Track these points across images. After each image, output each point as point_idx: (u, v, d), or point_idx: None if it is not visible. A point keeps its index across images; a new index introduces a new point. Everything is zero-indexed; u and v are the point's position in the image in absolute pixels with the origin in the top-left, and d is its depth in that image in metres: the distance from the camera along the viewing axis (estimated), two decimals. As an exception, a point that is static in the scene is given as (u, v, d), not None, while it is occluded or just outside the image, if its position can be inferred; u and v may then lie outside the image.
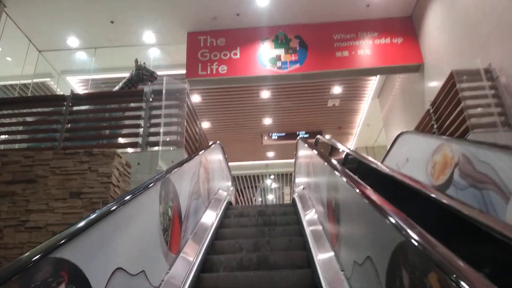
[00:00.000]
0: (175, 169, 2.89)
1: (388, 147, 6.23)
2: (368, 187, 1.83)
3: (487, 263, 1.45)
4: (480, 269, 1.30)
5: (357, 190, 1.87)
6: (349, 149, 4.24)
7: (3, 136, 5.37)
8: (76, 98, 5.19)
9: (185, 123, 4.98)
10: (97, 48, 8.61)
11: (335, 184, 2.56)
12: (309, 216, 3.77)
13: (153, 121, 4.94)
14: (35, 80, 8.93)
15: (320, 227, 3.18)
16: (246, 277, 2.80)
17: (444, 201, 1.82)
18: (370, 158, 3.24)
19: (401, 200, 1.80)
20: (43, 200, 3.38)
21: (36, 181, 3.51)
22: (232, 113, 10.77)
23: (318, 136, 7.02)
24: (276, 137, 11.62)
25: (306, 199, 4.39)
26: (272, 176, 15.29)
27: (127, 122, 5.22)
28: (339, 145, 4.78)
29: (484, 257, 1.49)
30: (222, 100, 10.12)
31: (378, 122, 10.87)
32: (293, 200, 5.37)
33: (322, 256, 2.70)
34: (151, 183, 2.25)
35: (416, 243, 1.12)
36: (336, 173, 2.49)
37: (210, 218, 4.00)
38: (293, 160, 7.01)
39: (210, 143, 5.52)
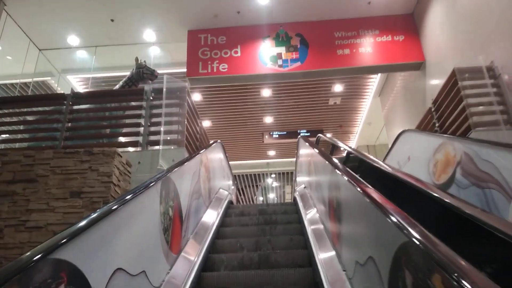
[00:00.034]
0: (176, 168, 2.88)
1: (390, 146, 6.21)
2: (370, 186, 1.82)
3: (491, 263, 1.44)
4: (483, 269, 1.29)
5: (359, 189, 1.85)
6: (350, 147, 4.22)
7: (3, 135, 5.36)
8: (77, 97, 5.17)
9: (185, 122, 4.96)
10: (97, 46, 8.60)
11: (337, 183, 2.54)
12: (311, 215, 3.75)
13: (154, 120, 4.93)
14: (35, 79, 8.92)
15: (321, 226, 3.17)
16: (247, 276, 2.79)
17: (446, 200, 1.80)
18: (372, 157, 3.23)
19: (403, 199, 1.79)
20: (43, 200, 3.37)
21: (36, 180, 3.50)
22: (233, 111, 10.75)
23: (319, 134, 7.00)
24: (277, 136, 11.60)
25: (307, 198, 4.37)
26: (273, 175, 15.27)
27: (127, 121, 5.20)
28: (340, 144, 4.76)
29: (487, 256, 1.48)
30: (223, 98, 10.10)
31: (379, 121, 10.85)
32: (294, 199, 5.36)
33: (323, 256, 2.69)
34: (151, 182, 2.23)
35: (419, 244, 1.10)
36: (338, 172, 2.47)
37: (211, 217, 3.99)
38: (294, 159, 7.00)
39: (211, 142, 5.51)
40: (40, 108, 5.36)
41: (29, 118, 5.28)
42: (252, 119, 11.19)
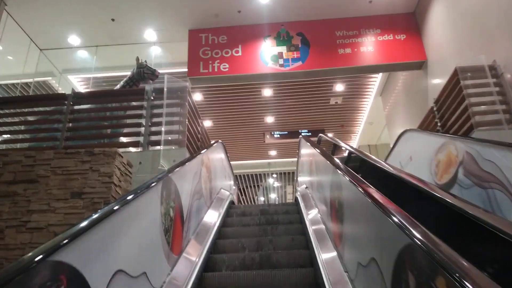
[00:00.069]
0: (177, 169, 2.86)
1: (391, 146, 6.20)
2: (373, 187, 1.80)
3: (493, 263, 1.43)
4: (486, 269, 1.27)
5: (361, 190, 1.84)
6: (352, 147, 4.20)
7: (4, 136, 5.35)
8: (77, 97, 5.16)
9: (186, 122, 4.94)
10: (98, 46, 8.59)
11: (338, 183, 2.53)
12: (312, 216, 3.74)
13: (155, 120, 4.91)
14: (36, 79, 8.93)
15: (323, 227, 3.15)
16: (248, 276, 2.79)
17: (449, 200, 1.79)
18: (373, 157, 3.21)
19: (405, 199, 1.78)
20: (44, 200, 3.36)
21: (37, 181, 3.49)
22: (234, 111, 10.74)
23: (321, 134, 6.98)
24: (278, 136, 11.58)
25: (309, 199, 4.36)
26: (274, 175, 15.26)
27: (128, 121, 5.19)
28: (341, 144, 4.75)
29: (489, 257, 1.46)
30: (224, 98, 10.09)
31: (381, 120, 10.82)
32: (296, 199, 5.34)
33: (325, 257, 2.67)
34: (152, 183, 2.22)
35: (423, 246, 1.09)
36: (339, 172, 2.46)
37: (213, 218, 3.98)
38: (295, 159, 6.98)
39: (212, 142, 5.49)
40: (41, 108, 5.35)
41: (30, 118, 5.27)
42: (253, 119, 11.17)
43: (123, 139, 5.21)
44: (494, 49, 5.23)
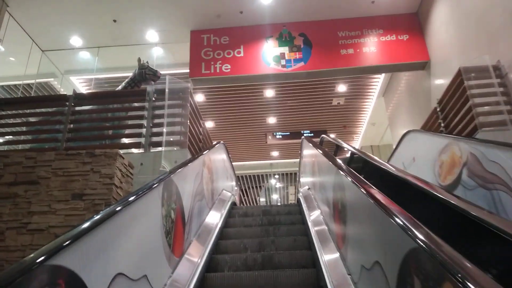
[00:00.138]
0: (178, 170, 2.84)
1: (394, 146, 6.16)
2: (375, 188, 1.77)
3: (497, 264, 1.40)
4: (490, 271, 1.24)
5: (364, 191, 1.81)
6: (354, 148, 4.17)
7: (6, 137, 5.34)
8: (79, 98, 5.15)
9: (188, 123, 4.93)
10: (100, 47, 8.59)
11: (341, 184, 2.50)
12: (315, 217, 3.71)
13: (156, 121, 4.90)
14: (38, 80, 8.93)
15: (325, 229, 3.13)
16: (250, 276, 2.79)
17: (453, 202, 1.76)
18: (376, 158, 3.18)
19: (408, 201, 1.75)
20: (45, 202, 3.35)
21: (38, 182, 3.47)
22: (236, 112, 10.72)
23: (323, 135, 6.95)
24: (280, 136, 11.55)
25: (311, 200, 4.33)
26: (276, 176, 15.23)
27: (130, 122, 5.18)
28: (344, 144, 4.72)
29: (495, 258, 1.44)
30: (226, 99, 10.07)
31: (383, 121, 10.78)
32: (298, 200, 5.32)
33: (328, 259, 2.64)
34: (153, 185, 2.20)
35: (430, 251, 1.06)
36: (342, 173, 2.43)
37: (214, 219, 3.96)
38: (297, 160, 6.95)
39: (214, 143, 5.47)
40: (43, 110, 5.34)
41: (32, 119, 5.26)
42: (255, 120, 11.15)
43: (125, 140, 5.19)
44: (498, 49, 5.19)
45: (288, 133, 11.54)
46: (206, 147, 5.70)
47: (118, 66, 8.83)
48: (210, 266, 3.05)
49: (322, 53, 7.82)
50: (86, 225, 1.47)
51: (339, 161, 2.81)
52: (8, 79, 8.98)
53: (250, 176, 14.89)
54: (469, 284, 0.85)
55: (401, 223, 1.28)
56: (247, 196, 16.63)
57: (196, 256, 2.88)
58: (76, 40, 8.39)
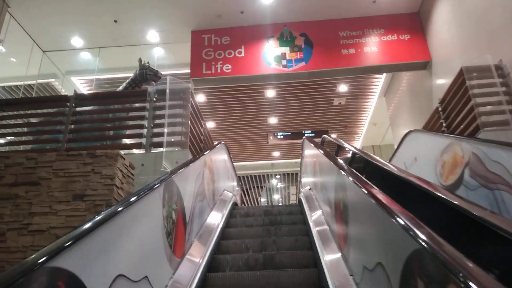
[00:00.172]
0: (179, 171, 2.83)
1: (396, 146, 6.14)
2: (380, 190, 1.76)
3: (499, 264, 1.39)
4: (493, 272, 1.23)
5: (366, 191, 1.80)
6: (355, 148, 4.16)
7: (7, 138, 5.34)
8: (79, 99, 5.15)
9: (189, 123, 4.92)
10: (101, 48, 8.59)
11: (343, 184, 2.49)
12: (316, 218, 3.70)
13: (157, 121, 4.89)
14: (39, 81, 8.93)
15: (327, 229, 3.11)
16: (252, 276, 2.79)
17: (455, 202, 1.75)
18: (378, 158, 3.17)
19: (410, 201, 1.73)
20: (46, 203, 3.34)
21: (39, 183, 3.47)
22: (237, 112, 10.71)
23: (324, 135, 6.94)
24: (281, 137, 11.54)
25: (313, 200, 4.32)
26: (277, 176, 15.21)
27: (130, 122, 5.17)
28: (345, 144, 4.70)
29: (495, 258, 1.43)
30: (227, 99, 10.06)
31: (384, 121, 10.76)
32: (299, 201, 5.30)
33: (330, 260, 2.63)
34: (154, 185, 2.19)
35: (434, 252, 1.04)
36: (343, 173, 2.42)
37: (216, 219, 3.95)
38: (299, 160, 6.94)
39: (215, 143, 5.46)
40: (44, 110, 5.33)
41: (33, 120, 5.26)
42: (256, 120, 11.14)
43: (126, 141, 5.18)
44: (500, 48, 5.17)
45: (289, 133, 11.53)
46: (207, 147, 5.69)
47: (119, 66, 8.84)
48: (212, 266, 3.04)
49: (323, 53, 7.80)
50: (86, 226, 1.46)
51: (341, 161, 2.80)
52: (9, 80, 8.98)
53: (251, 176, 14.88)
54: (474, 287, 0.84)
55: (404, 223, 1.27)
56: (248, 197, 16.62)
57: (197, 256, 2.87)
58: (77, 41, 8.39)
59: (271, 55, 7.86)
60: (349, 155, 4.22)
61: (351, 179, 2.16)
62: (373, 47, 7.77)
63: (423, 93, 7.85)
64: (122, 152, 3.86)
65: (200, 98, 9.75)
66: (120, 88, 5.82)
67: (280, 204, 16.61)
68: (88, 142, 4.85)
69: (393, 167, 2.67)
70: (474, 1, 5.89)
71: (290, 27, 8.10)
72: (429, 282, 1.08)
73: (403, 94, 9.18)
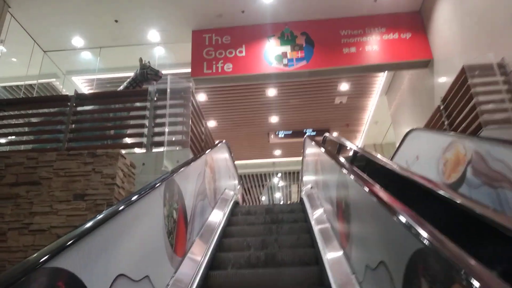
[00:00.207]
0: (180, 170, 2.83)
1: (397, 145, 6.12)
2: (382, 188, 1.74)
3: (501, 262, 1.38)
4: (496, 269, 1.22)
5: (368, 190, 1.78)
6: (357, 146, 4.15)
7: (8, 137, 5.34)
8: (80, 98, 5.15)
9: (190, 123, 4.91)
10: (102, 47, 8.59)
11: (344, 183, 2.47)
12: (318, 216, 3.69)
13: (158, 120, 4.88)
14: (40, 81, 8.94)
15: (329, 227, 3.10)
16: (254, 274, 2.79)
17: (458, 200, 1.74)
18: (379, 156, 3.16)
19: (412, 199, 1.72)
20: (47, 202, 3.34)
21: (39, 183, 3.47)
22: (238, 111, 10.70)
23: (326, 134, 6.92)
24: (283, 135, 11.53)
25: (314, 199, 4.31)
26: (279, 175, 15.20)
27: (131, 122, 5.17)
28: (347, 143, 4.69)
29: (496, 255, 1.42)
30: (228, 98, 10.05)
31: (386, 119, 10.74)
32: (301, 200, 5.29)
33: (332, 258, 2.62)
34: (155, 184, 2.18)
35: (438, 251, 1.03)
36: (345, 171, 2.41)
37: (217, 218, 3.94)
38: (300, 158, 6.93)
39: (216, 142, 5.45)
40: (45, 110, 5.33)
41: (33, 120, 5.26)
42: (258, 119, 11.13)
43: (126, 140, 5.18)
44: (502, 46, 5.14)
45: (291, 132, 11.51)
46: (208, 146, 5.68)
47: (120, 66, 8.83)
48: (214, 264, 3.04)
49: (324, 52, 7.78)
50: (87, 225, 1.45)
51: (342, 160, 2.79)
52: (10, 79, 8.98)
53: (252, 175, 14.87)
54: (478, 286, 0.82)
55: (407, 222, 1.26)
56: (250, 195, 16.62)
57: (199, 255, 2.87)
58: (77, 41, 8.39)
59: (272, 54, 7.84)
60: (351, 153, 4.21)
61: (352, 177, 2.15)
62: (374, 45, 7.75)
63: (425, 92, 7.82)
64: (123, 151, 3.85)
65: (201, 97, 9.74)
66: (121, 87, 5.82)
67: (282, 202, 16.61)
68: (89, 141, 4.85)
69: (394, 166, 2.66)
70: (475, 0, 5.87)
71: (291, 26, 8.08)
72: (433, 282, 1.07)
73: (405, 93, 9.15)
